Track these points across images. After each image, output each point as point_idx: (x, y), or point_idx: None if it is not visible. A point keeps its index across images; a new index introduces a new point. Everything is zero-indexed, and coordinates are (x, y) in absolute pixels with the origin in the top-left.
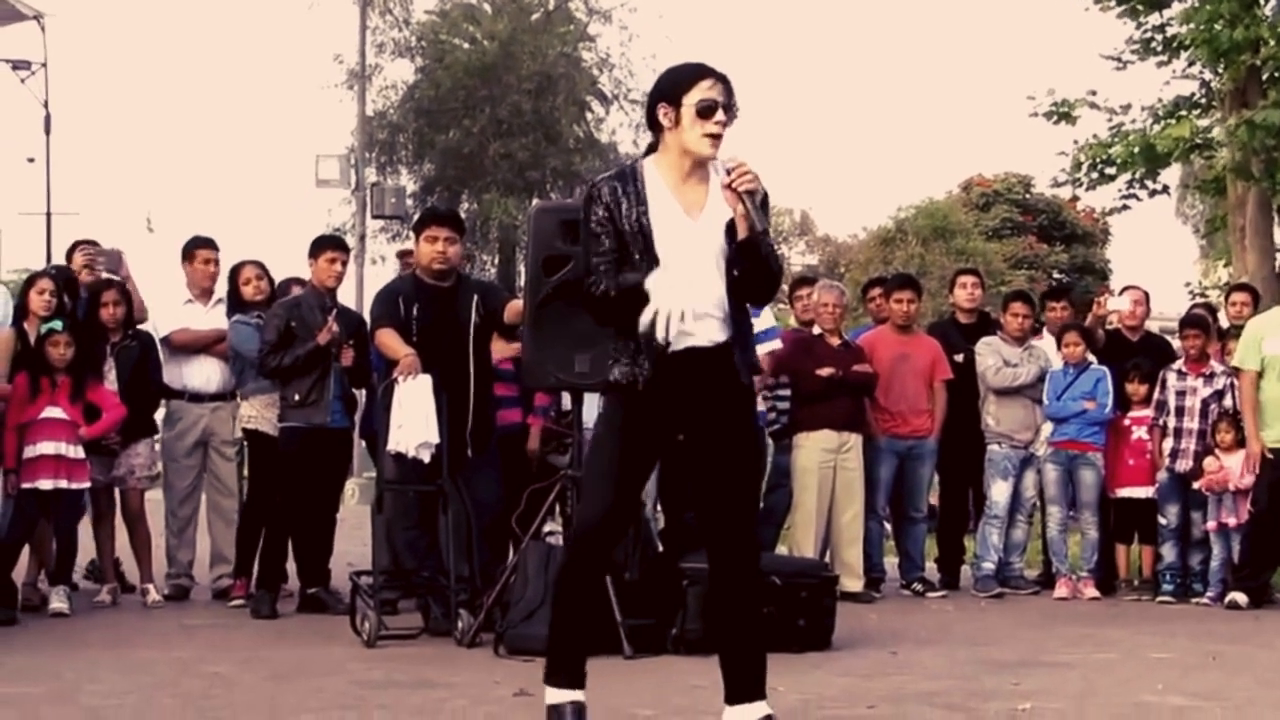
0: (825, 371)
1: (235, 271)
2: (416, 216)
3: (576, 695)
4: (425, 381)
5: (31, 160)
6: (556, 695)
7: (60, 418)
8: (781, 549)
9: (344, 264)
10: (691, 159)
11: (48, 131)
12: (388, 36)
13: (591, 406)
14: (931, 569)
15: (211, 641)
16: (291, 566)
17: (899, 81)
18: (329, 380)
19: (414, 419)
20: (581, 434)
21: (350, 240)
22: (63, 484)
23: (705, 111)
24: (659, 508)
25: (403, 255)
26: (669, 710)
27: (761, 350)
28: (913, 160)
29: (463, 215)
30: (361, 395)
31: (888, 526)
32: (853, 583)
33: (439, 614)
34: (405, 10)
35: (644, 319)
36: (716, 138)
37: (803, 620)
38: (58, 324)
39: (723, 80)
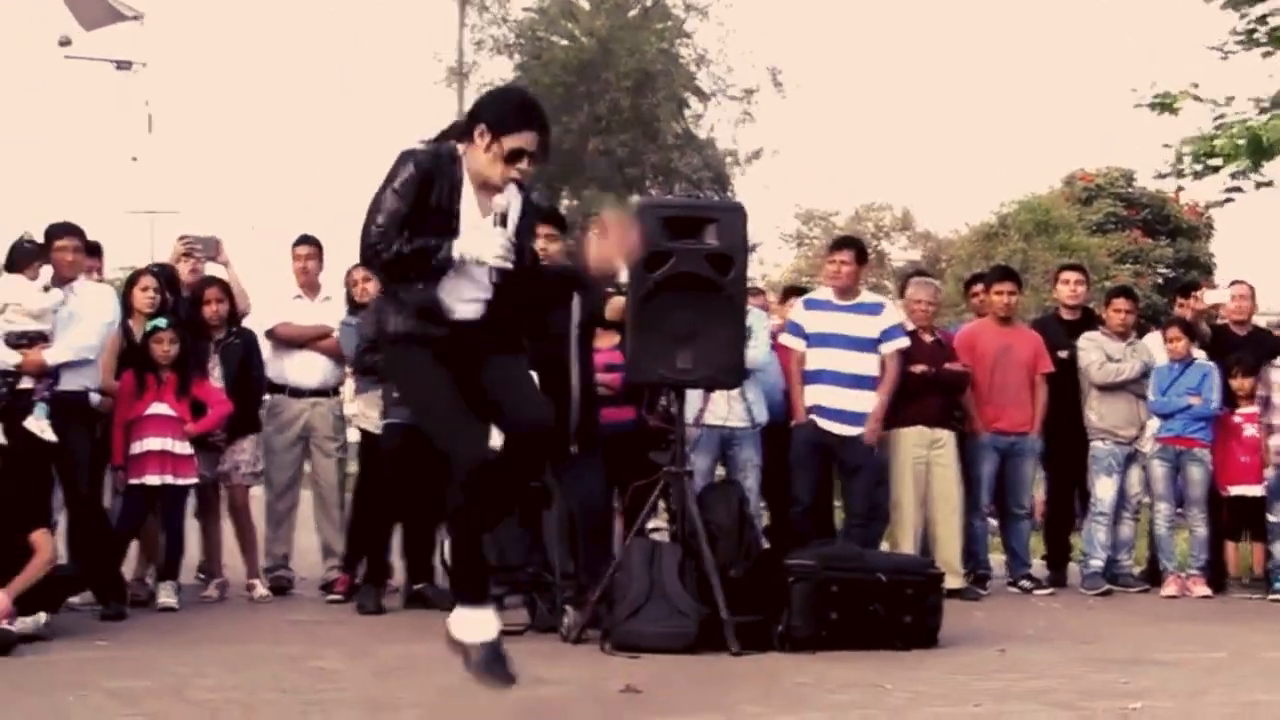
0: (918, 368)
1: (348, 274)
2: None
3: (486, 612)
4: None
5: (135, 159)
6: (468, 613)
7: (166, 414)
8: (883, 545)
9: None
10: (484, 179)
11: (150, 131)
12: (486, 34)
13: (693, 403)
14: (1038, 566)
15: (318, 636)
16: (398, 562)
17: (1001, 75)
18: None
19: None
20: (684, 430)
21: None
22: (169, 480)
23: (514, 157)
24: (764, 505)
25: None
26: (774, 707)
27: (889, 348)
28: (1015, 155)
29: (562, 212)
30: None
31: (992, 523)
32: (953, 579)
33: (544, 610)
34: (504, 7)
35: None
36: (514, 180)
37: (909, 617)
38: (162, 321)
39: (544, 129)
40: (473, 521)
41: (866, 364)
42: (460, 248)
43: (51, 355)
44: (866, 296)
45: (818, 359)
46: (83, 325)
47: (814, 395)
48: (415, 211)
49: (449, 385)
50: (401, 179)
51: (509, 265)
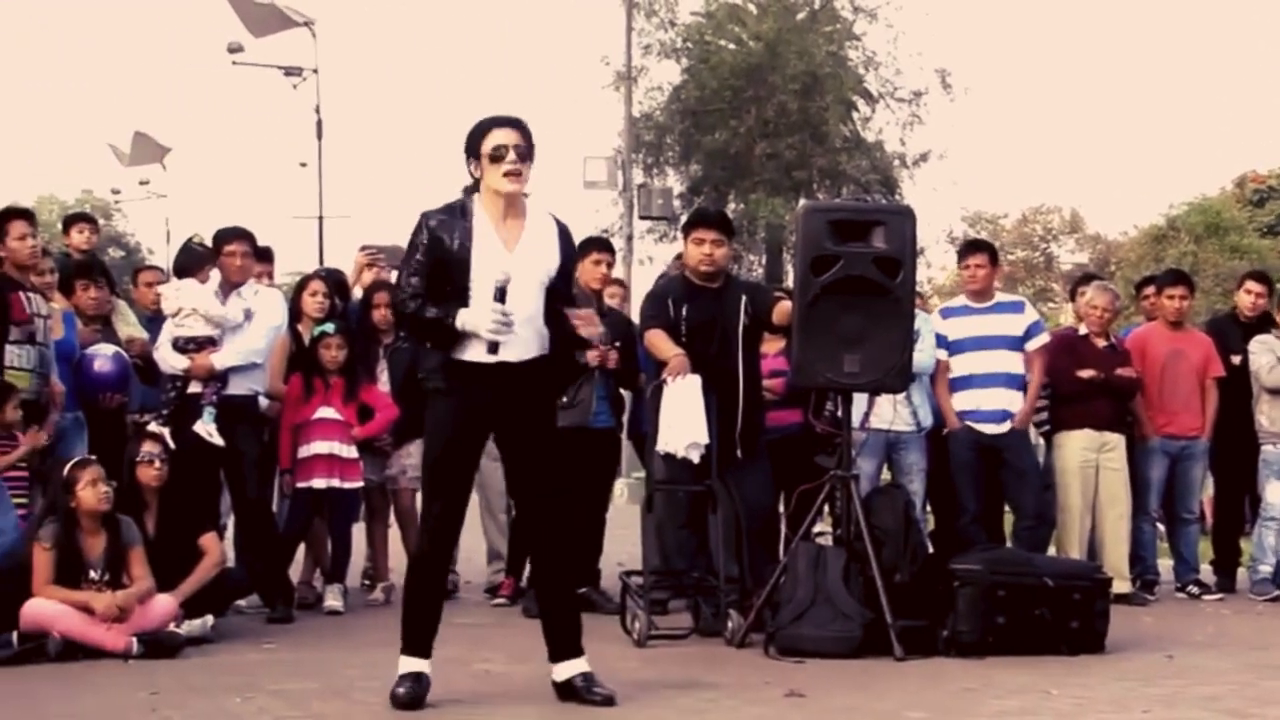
0: (1086, 374)
1: None
2: (685, 218)
3: (422, 665)
4: (695, 382)
5: (304, 165)
6: (407, 663)
7: (333, 418)
8: (1050, 550)
9: (609, 265)
10: (503, 198)
11: (319, 136)
12: (654, 38)
13: (859, 407)
14: (1206, 571)
15: (482, 639)
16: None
17: (1171, 75)
18: (593, 382)
19: (683, 419)
20: (850, 434)
21: (617, 242)
22: (336, 483)
23: (496, 156)
24: (928, 510)
25: (677, 257)
26: (940, 712)
27: (1032, 345)
28: (1185, 156)
29: (730, 216)
30: (629, 396)
31: (1161, 528)
32: (1120, 584)
33: (709, 614)
34: (671, 11)
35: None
36: (513, 174)
37: (1076, 622)
38: (330, 326)
39: (514, 125)
40: (425, 582)
41: (1012, 362)
42: (462, 319)
43: (220, 359)
44: (1003, 296)
45: (963, 364)
46: (251, 330)
47: (963, 400)
48: (435, 270)
49: (452, 442)
50: (418, 245)
51: (500, 339)
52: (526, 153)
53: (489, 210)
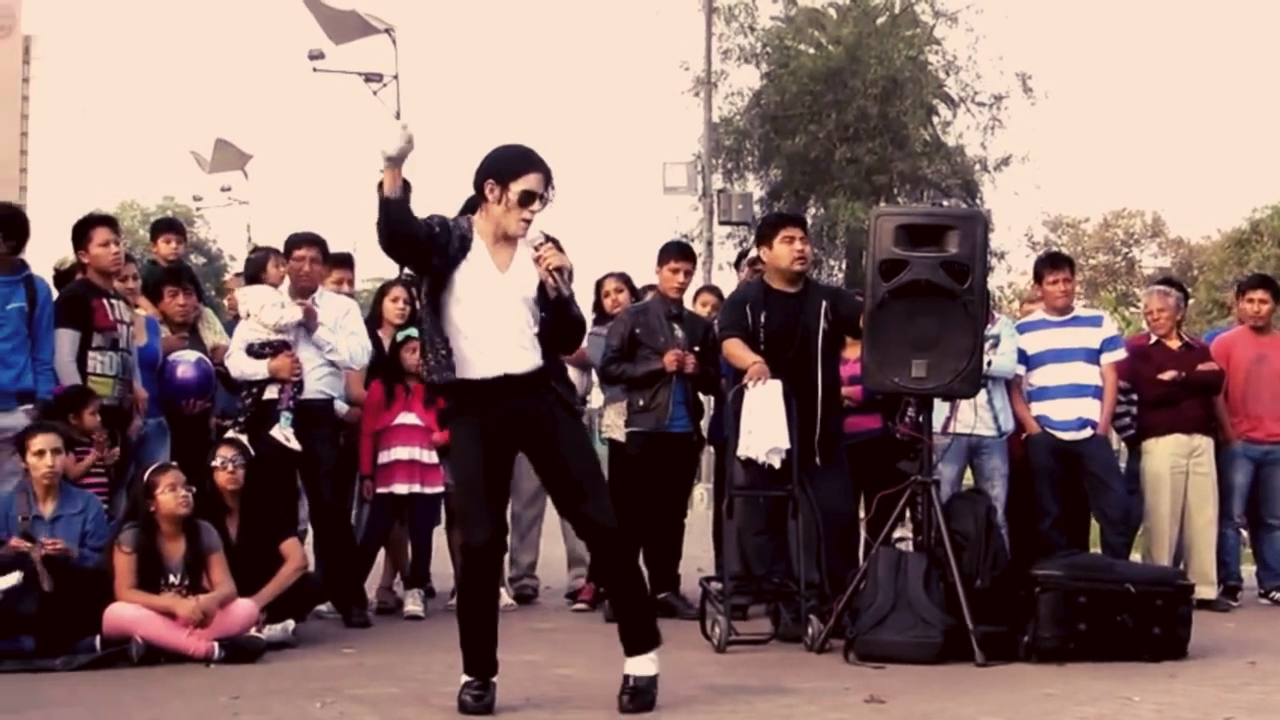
0: (1167, 375)
1: (598, 284)
2: (763, 222)
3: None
4: (775, 387)
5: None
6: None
7: (414, 423)
8: (1135, 556)
9: (689, 272)
10: (503, 230)
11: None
12: (733, 43)
13: (940, 411)
14: None
15: (562, 644)
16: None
17: (1254, 79)
18: (671, 386)
19: (764, 425)
20: (931, 439)
21: (698, 247)
22: (417, 488)
23: (525, 200)
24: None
25: (752, 263)
26: (1020, 717)
27: (1107, 359)
28: (1268, 159)
29: (809, 220)
30: (709, 401)
31: (1244, 534)
32: (1207, 590)
33: (789, 620)
34: (751, 17)
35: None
36: (528, 222)
37: (1158, 629)
38: (412, 331)
39: (547, 172)
40: (471, 602)
41: (1090, 374)
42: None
43: (336, 356)
44: (1081, 310)
45: (1041, 376)
46: (360, 336)
47: (1041, 409)
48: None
49: (479, 467)
50: (432, 218)
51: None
52: (546, 201)
53: (487, 232)
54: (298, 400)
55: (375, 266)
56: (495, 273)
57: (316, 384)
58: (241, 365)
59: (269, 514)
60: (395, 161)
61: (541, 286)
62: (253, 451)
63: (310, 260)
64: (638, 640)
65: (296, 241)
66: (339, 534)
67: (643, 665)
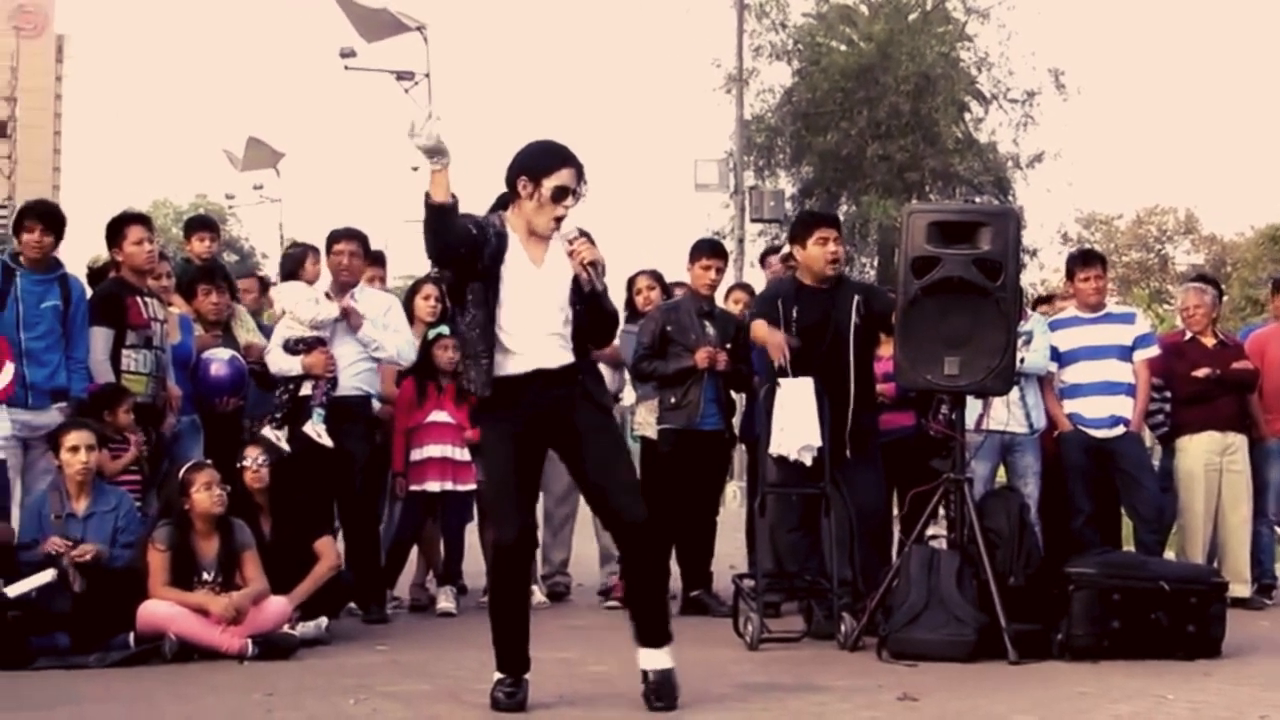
0: (1202, 372)
1: (630, 281)
2: (796, 221)
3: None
4: (807, 384)
5: (416, 169)
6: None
7: (446, 421)
8: (1169, 554)
9: (720, 270)
10: (537, 225)
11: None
12: (765, 40)
13: (973, 408)
14: None
15: (595, 642)
16: (675, 568)
17: None
18: (703, 383)
19: (796, 422)
20: (964, 437)
21: (729, 244)
22: (449, 486)
23: (558, 196)
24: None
25: (785, 259)
26: (1054, 716)
27: (1140, 356)
28: None
29: (841, 218)
30: (741, 399)
31: (1278, 531)
32: (1240, 588)
33: (821, 617)
34: (782, 13)
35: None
36: (562, 217)
37: (1192, 627)
38: (444, 329)
39: (580, 168)
40: (503, 600)
41: (1123, 371)
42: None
43: (383, 354)
44: (1114, 307)
45: (1074, 374)
46: (404, 332)
47: (1073, 407)
48: (475, 245)
49: (509, 464)
50: (471, 216)
51: (434, 131)
52: (579, 197)
53: (519, 228)
54: (332, 396)
55: (406, 264)
56: (531, 268)
57: (353, 380)
58: (279, 362)
59: (302, 512)
60: (439, 158)
61: (575, 280)
62: (288, 448)
63: (350, 254)
64: (652, 634)
65: (336, 236)
66: (364, 531)
67: (658, 658)
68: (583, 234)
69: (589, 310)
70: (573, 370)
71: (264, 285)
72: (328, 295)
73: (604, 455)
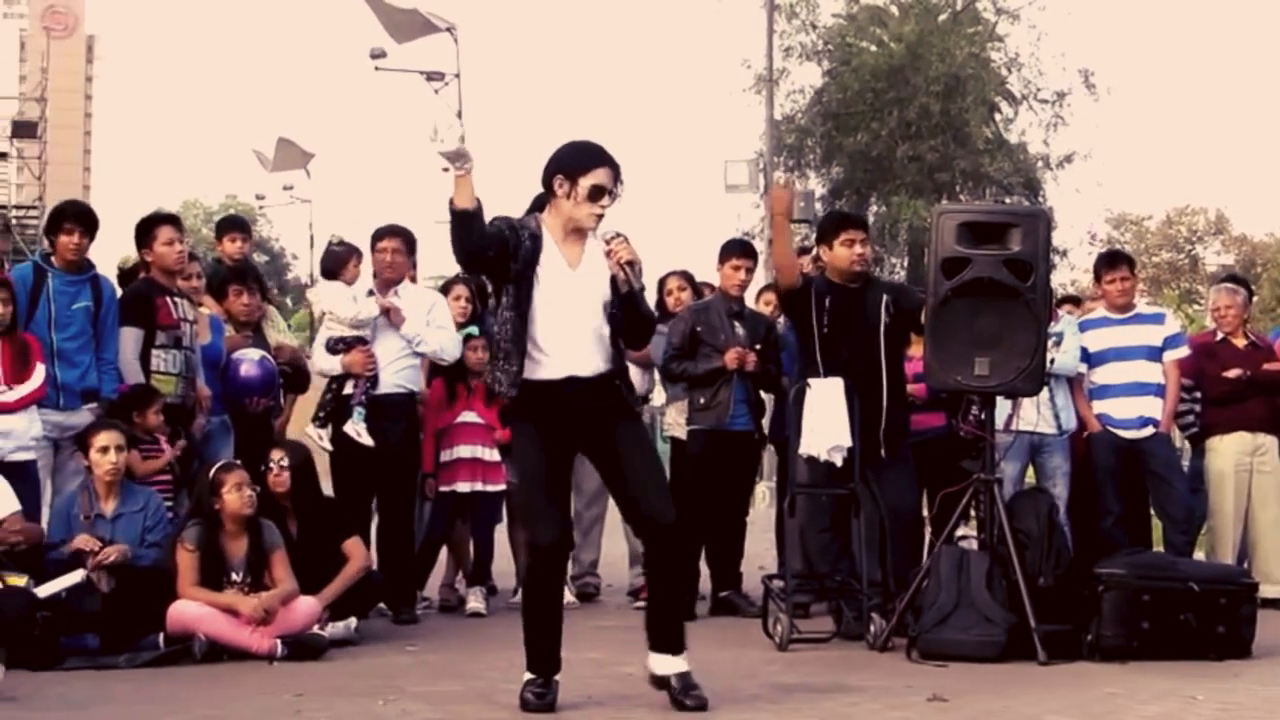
0: (1233, 373)
1: (661, 282)
2: (824, 221)
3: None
4: (837, 384)
5: (446, 170)
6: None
7: (476, 422)
8: (1198, 554)
9: (750, 270)
10: (574, 225)
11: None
12: (795, 40)
13: (1003, 409)
14: None
15: (624, 642)
16: (704, 569)
17: None
18: (732, 384)
19: (825, 422)
20: (994, 437)
21: (759, 245)
22: (479, 487)
23: (595, 195)
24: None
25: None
26: (1084, 716)
27: (1169, 357)
28: None
29: (871, 218)
30: (770, 399)
31: None
32: (1271, 589)
33: (851, 618)
34: (812, 14)
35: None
36: (599, 217)
37: (1221, 627)
38: (474, 329)
39: (616, 167)
40: (537, 601)
41: (1152, 372)
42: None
43: (426, 348)
44: (1144, 308)
45: (1103, 375)
46: (448, 329)
47: (1103, 407)
48: (502, 250)
49: (542, 466)
50: (499, 220)
51: (459, 146)
52: (615, 196)
53: (556, 229)
54: (374, 394)
55: (436, 265)
56: (566, 269)
57: (395, 377)
58: (321, 362)
59: (330, 512)
60: (461, 163)
61: (613, 282)
62: (330, 447)
63: (393, 251)
64: (669, 639)
65: (380, 234)
66: (399, 532)
67: (674, 664)
68: (619, 234)
69: (626, 311)
70: (608, 378)
71: None
72: (370, 293)
73: (634, 458)
